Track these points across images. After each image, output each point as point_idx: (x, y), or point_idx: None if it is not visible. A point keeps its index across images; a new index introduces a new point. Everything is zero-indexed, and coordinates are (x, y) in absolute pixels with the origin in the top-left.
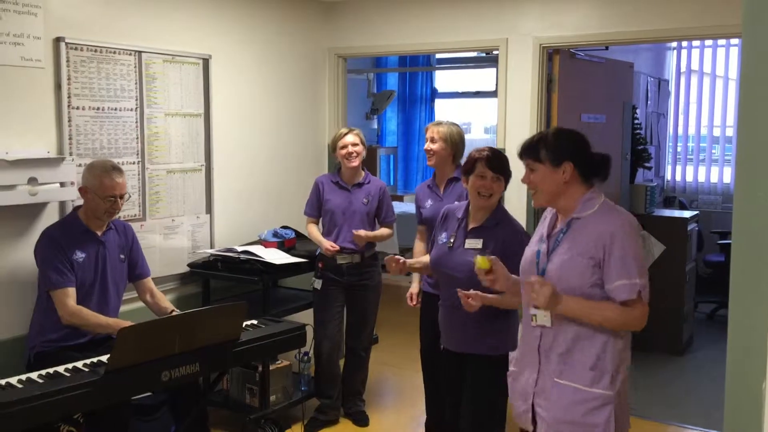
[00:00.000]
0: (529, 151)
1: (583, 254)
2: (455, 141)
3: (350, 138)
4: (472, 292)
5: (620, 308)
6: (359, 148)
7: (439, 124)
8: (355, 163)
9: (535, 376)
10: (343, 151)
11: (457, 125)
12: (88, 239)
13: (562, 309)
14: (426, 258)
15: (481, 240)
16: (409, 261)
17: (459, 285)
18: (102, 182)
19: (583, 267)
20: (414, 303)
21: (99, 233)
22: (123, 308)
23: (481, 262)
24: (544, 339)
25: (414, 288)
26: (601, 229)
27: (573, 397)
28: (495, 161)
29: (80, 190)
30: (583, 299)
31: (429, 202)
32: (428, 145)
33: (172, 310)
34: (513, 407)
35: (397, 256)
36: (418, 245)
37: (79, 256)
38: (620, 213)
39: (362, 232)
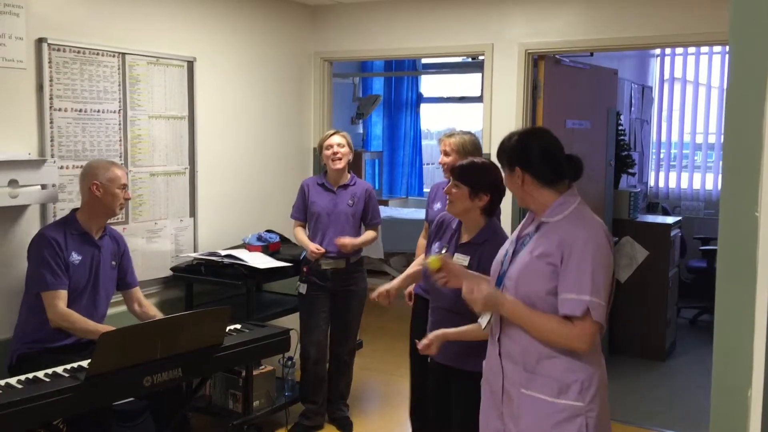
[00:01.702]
0: (497, 155)
1: (543, 258)
2: (468, 150)
3: (336, 139)
4: (427, 339)
5: (561, 322)
6: (345, 149)
7: (451, 135)
8: (340, 164)
9: (500, 384)
10: (329, 152)
11: (470, 133)
12: (86, 242)
13: (505, 313)
14: (410, 270)
15: (468, 258)
16: (393, 285)
17: (445, 299)
18: (114, 172)
19: (542, 271)
20: (411, 302)
21: (96, 237)
22: (110, 311)
23: (431, 262)
24: (503, 345)
25: (409, 288)
26: (565, 237)
27: (541, 409)
28: (456, 169)
29: (93, 185)
30: (526, 306)
31: (438, 206)
32: (442, 159)
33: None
34: (480, 422)
35: (380, 291)
36: (421, 241)
37: (76, 258)
38: (590, 224)
39: (345, 239)
